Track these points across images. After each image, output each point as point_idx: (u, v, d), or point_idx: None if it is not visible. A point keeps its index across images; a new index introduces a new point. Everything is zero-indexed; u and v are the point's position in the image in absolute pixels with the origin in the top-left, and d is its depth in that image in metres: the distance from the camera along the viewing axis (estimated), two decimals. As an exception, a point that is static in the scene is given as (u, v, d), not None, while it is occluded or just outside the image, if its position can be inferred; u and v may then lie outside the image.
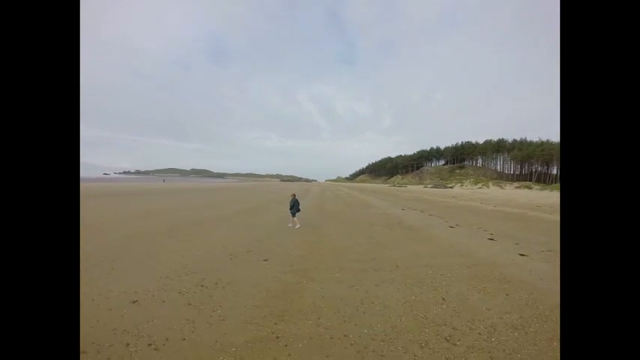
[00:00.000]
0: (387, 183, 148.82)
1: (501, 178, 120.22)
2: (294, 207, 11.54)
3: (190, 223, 11.74)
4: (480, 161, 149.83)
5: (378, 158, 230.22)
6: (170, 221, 11.99)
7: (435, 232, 11.47)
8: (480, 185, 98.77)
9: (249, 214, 15.10)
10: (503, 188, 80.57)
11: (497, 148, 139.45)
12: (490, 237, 10.43)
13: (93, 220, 11.55)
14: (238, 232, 10.11)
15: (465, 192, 61.35)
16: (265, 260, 6.72)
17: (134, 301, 4.43)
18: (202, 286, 5.12)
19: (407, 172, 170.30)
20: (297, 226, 11.29)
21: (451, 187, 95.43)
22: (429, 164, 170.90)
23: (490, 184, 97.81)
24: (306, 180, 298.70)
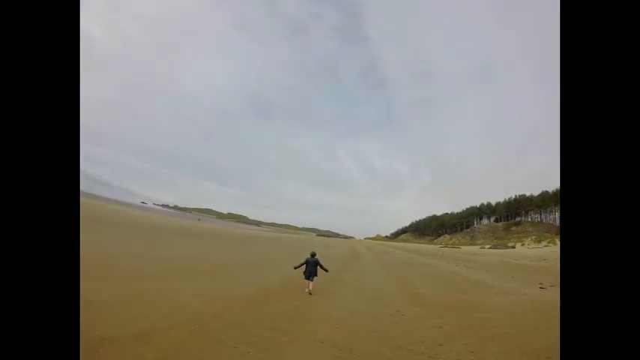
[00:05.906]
0: (435, 243, 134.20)
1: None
2: (311, 268, 9.34)
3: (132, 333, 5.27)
4: (536, 216, 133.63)
5: (419, 216, 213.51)
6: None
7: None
8: (545, 243, 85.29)
9: (278, 316, 7.03)
10: (578, 246, 67.29)
11: (555, 199, 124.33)
12: None
13: None
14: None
15: (543, 253, 50.98)
16: None
17: None
18: None
19: (455, 232, 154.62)
20: (307, 290, 9.15)
21: (512, 247, 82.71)
22: (478, 222, 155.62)
23: (556, 240, 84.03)
24: (345, 236, 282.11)
